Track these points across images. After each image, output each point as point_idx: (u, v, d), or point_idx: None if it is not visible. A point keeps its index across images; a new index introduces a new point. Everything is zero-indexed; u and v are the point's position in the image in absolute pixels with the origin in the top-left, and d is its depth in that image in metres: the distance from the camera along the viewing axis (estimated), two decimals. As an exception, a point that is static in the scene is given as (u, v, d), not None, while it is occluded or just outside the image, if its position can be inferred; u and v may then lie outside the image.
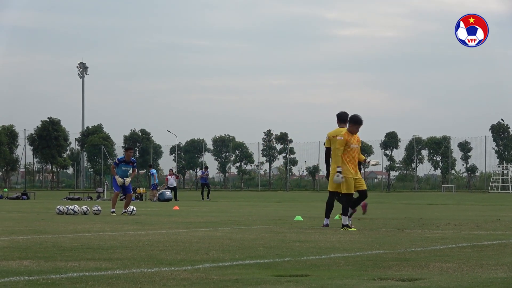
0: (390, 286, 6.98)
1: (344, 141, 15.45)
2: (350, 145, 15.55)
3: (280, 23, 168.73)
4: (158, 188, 45.38)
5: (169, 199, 42.61)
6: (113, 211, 22.25)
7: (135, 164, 23.31)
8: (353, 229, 15.11)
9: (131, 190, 23.43)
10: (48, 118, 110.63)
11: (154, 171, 47.82)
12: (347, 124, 15.92)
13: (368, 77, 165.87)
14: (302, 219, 19.14)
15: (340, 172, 15.39)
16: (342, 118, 16.23)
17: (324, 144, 16.46)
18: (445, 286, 7.01)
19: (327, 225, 16.10)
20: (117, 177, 22.61)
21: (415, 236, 13.36)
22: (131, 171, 23.02)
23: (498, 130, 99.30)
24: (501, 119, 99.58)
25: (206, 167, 52.18)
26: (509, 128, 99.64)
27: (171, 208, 28.74)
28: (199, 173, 46.11)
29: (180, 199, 43.52)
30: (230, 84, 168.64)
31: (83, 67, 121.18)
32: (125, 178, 22.71)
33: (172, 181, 45.36)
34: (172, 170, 47.85)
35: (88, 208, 22.52)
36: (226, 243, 11.73)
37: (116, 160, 23.27)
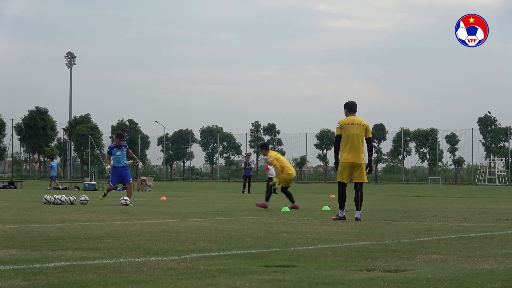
0: (377, 277, 6.99)
1: None
2: None
3: (269, 14, 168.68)
4: (56, 181, 47.15)
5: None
6: (105, 194, 23.26)
7: (127, 147, 23.20)
8: None
9: (130, 179, 23.10)
10: (36, 107, 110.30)
11: (53, 163, 48.60)
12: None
13: (357, 70, 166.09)
14: (289, 210, 19.16)
15: None
16: (351, 107, 15.67)
17: (336, 132, 15.44)
18: (432, 277, 7.02)
19: (343, 218, 15.27)
20: (108, 166, 23.05)
21: (402, 228, 13.38)
22: (125, 156, 22.93)
23: (485, 122, 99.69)
24: (488, 112, 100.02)
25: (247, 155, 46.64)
26: (496, 121, 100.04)
27: (158, 198, 28.71)
28: (242, 164, 43.79)
29: (166, 190, 43.35)
30: (218, 75, 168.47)
31: (71, 57, 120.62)
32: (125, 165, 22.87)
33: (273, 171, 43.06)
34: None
35: (75, 198, 22.48)
36: (213, 233, 11.73)
37: (108, 149, 23.43)
